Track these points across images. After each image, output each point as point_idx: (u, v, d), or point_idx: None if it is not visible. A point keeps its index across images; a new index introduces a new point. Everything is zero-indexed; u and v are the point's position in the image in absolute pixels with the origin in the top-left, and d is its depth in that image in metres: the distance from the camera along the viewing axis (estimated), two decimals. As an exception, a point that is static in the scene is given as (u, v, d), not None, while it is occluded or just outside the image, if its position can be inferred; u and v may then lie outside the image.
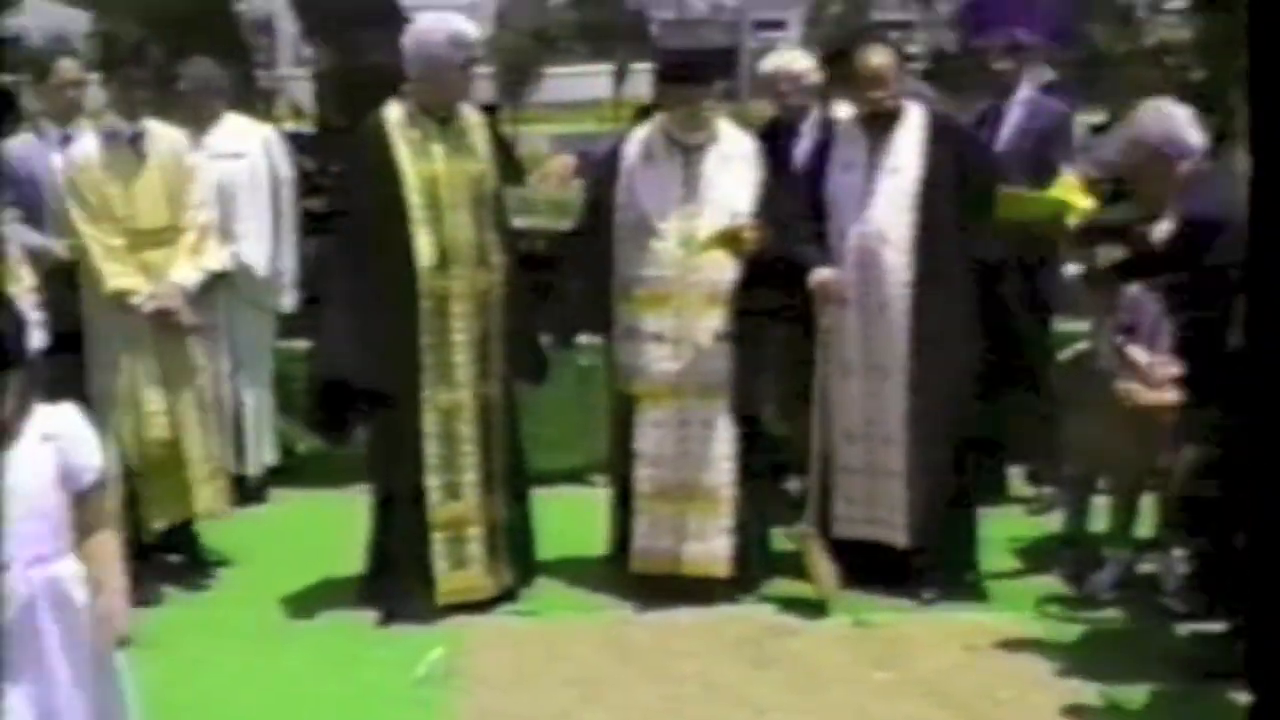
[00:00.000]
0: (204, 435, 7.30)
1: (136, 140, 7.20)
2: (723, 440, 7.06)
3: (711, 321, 6.99)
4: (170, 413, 7.18)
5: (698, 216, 6.97)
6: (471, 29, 7.00)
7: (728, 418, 7.06)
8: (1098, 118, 10.11)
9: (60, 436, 4.43)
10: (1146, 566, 7.06)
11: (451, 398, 6.89)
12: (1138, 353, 6.64)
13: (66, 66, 8.19)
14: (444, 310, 6.84)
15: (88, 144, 7.23)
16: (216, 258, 7.44)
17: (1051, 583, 7.23)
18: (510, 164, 7.41)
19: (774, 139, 7.90)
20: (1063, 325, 8.05)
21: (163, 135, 7.35)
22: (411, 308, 6.79)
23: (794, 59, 8.72)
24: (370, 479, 7.16)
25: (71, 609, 4.44)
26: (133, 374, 7.14)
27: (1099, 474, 7.27)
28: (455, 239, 6.85)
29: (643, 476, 7.08)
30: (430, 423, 6.87)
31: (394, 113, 6.90)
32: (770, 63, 8.74)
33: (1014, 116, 8.29)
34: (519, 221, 7.41)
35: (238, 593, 7.37)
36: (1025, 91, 8.39)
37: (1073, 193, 7.45)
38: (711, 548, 7.06)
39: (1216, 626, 6.22)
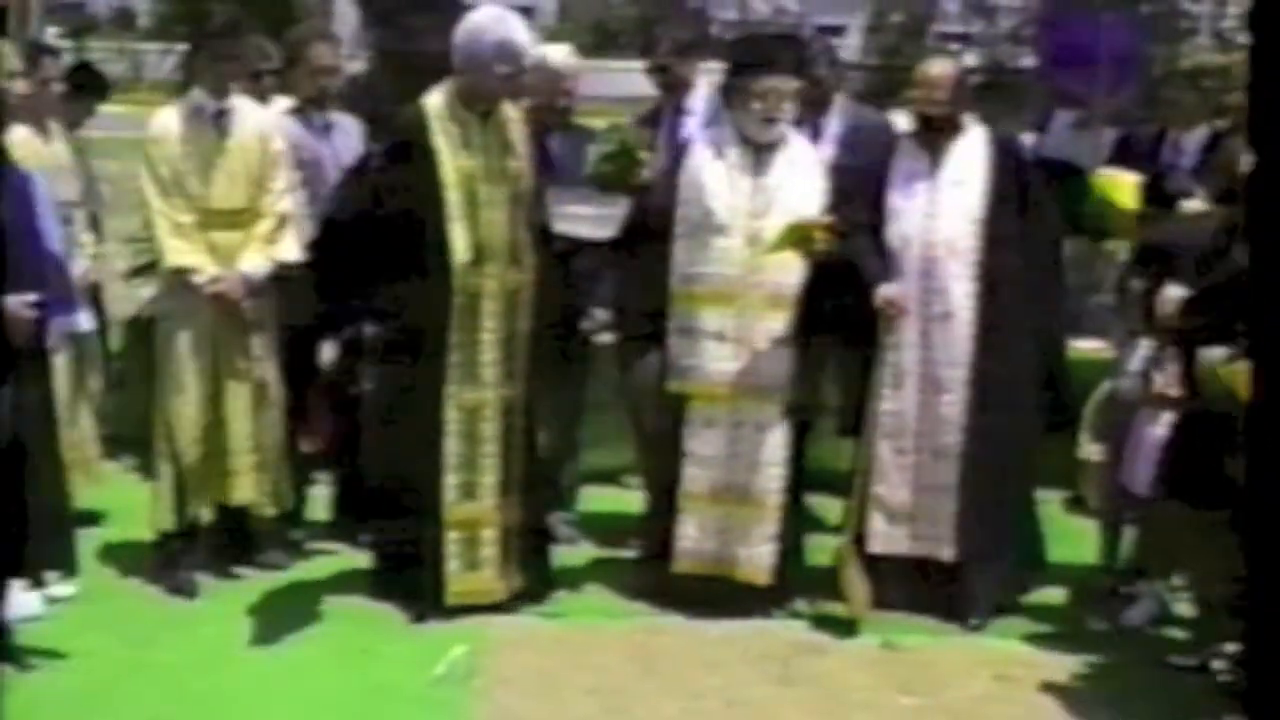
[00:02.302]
0: (254, 426, 7.18)
1: (221, 117, 7.09)
2: (774, 445, 6.97)
3: (773, 324, 6.90)
4: (216, 398, 7.09)
5: (766, 217, 6.87)
6: (523, 37, 6.83)
7: (782, 423, 6.98)
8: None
9: None
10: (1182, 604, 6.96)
11: (476, 396, 6.82)
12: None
13: (321, 52, 7.81)
14: (475, 308, 6.76)
15: (168, 118, 7.09)
16: (290, 249, 7.19)
17: (1087, 612, 7.14)
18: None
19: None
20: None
21: (251, 115, 7.22)
22: (443, 303, 6.72)
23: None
24: (376, 471, 7.10)
25: None
26: (187, 354, 7.06)
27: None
28: (490, 236, 6.77)
29: (691, 476, 6.98)
30: (453, 420, 6.79)
31: (435, 103, 6.82)
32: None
33: (831, 130, 7.92)
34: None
35: (264, 580, 7.30)
36: (839, 104, 8.03)
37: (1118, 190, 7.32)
38: (756, 554, 6.98)
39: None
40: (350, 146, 7.49)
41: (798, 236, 6.77)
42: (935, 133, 7.00)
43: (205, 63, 7.19)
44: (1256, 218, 4.28)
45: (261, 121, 7.27)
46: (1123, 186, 7.52)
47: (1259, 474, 4.19)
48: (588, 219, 7.02)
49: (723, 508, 6.97)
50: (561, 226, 6.97)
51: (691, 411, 6.97)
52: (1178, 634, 6.79)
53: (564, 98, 7.73)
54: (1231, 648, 6.22)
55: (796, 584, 7.12)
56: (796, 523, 7.23)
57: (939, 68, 7.07)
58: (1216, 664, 6.33)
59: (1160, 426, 6.63)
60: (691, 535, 6.99)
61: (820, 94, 7.76)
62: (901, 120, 7.66)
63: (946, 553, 6.98)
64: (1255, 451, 3.66)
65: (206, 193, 7.03)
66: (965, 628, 6.90)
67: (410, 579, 6.90)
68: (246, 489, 7.20)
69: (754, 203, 6.90)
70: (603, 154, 7.18)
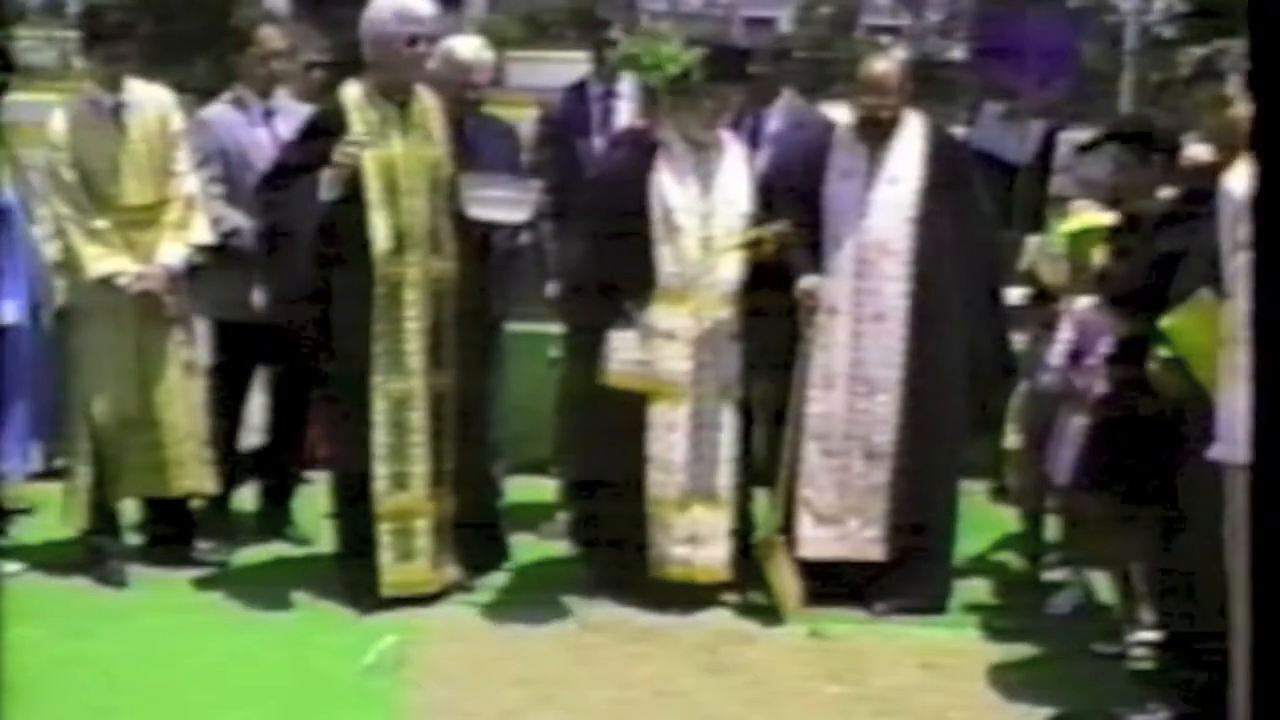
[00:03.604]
0: (189, 413, 7.18)
1: (118, 111, 7.03)
2: (730, 442, 7.01)
3: (725, 321, 6.94)
4: (146, 392, 7.05)
5: (713, 216, 6.92)
6: (422, 5, 6.86)
7: (735, 418, 7.03)
8: (1084, 136, 10.07)
9: None
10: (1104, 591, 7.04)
11: (403, 386, 6.83)
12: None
13: (268, 35, 7.70)
14: (397, 297, 6.78)
15: (63, 120, 6.99)
16: (202, 231, 7.19)
17: (1012, 601, 7.22)
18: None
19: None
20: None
21: (147, 99, 7.14)
22: (365, 293, 6.74)
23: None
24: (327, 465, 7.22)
25: None
26: (112, 353, 7.02)
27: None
28: (411, 225, 6.79)
29: (658, 482, 6.95)
30: (380, 410, 6.81)
31: (352, 94, 6.85)
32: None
33: (774, 125, 8.09)
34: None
35: (199, 572, 7.33)
36: (786, 99, 8.21)
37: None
38: (718, 552, 7.01)
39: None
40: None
41: (753, 241, 6.84)
42: (876, 129, 6.98)
43: (97, 57, 7.09)
44: (1261, 222, 4.29)
45: (159, 102, 7.19)
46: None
47: (1263, 478, 4.21)
48: (501, 202, 7.00)
49: (689, 512, 6.97)
50: (475, 211, 6.94)
51: (653, 415, 6.93)
52: (1101, 622, 6.86)
53: (472, 90, 7.68)
54: (1151, 635, 6.31)
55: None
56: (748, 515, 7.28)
57: (883, 66, 7.02)
58: (1136, 651, 6.42)
59: (1082, 418, 6.68)
60: (659, 541, 6.97)
61: (764, 88, 7.82)
62: (837, 113, 7.69)
63: (875, 553, 7.01)
64: (1261, 459, 3.68)
65: (118, 191, 6.99)
66: (871, 612, 6.95)
67: (347, 571, 6.96)
68: (188, 478, 7.20)
69: (703, 203, 6.92)
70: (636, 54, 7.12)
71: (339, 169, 6.63)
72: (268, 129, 7.56)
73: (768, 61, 8.07)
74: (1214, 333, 4.98)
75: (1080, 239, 6.80)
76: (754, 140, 7.81)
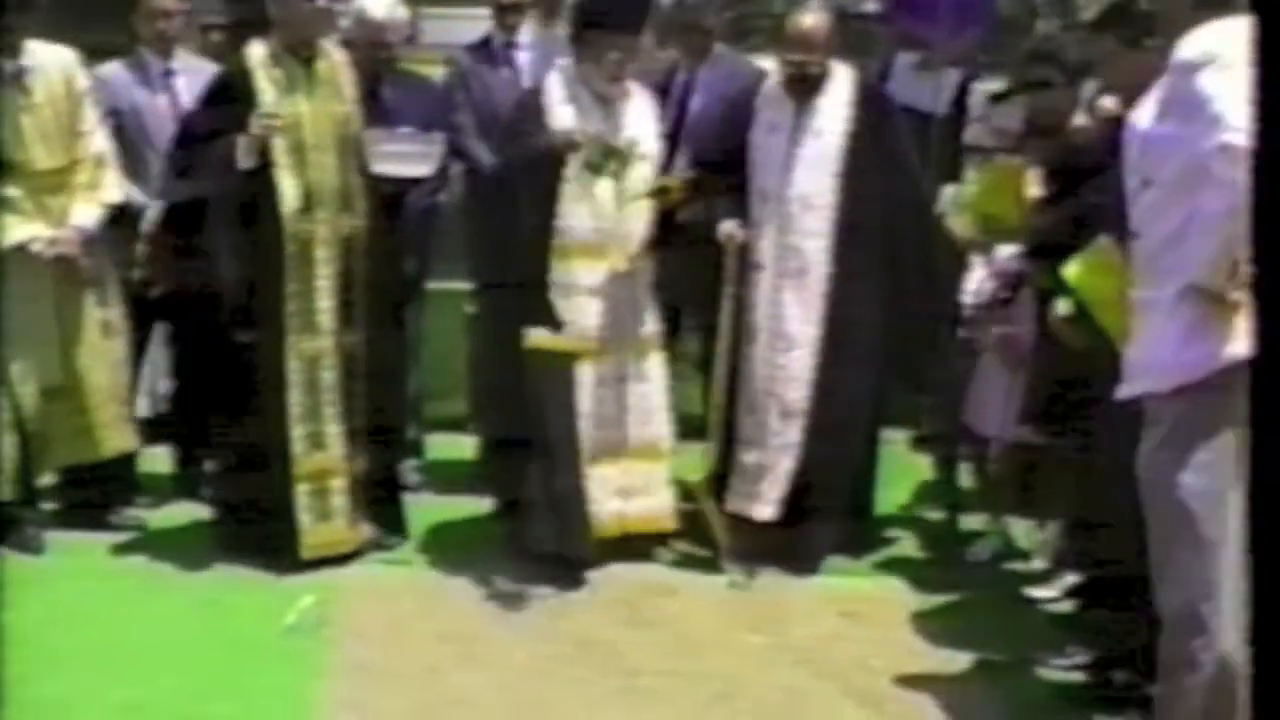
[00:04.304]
0: (110, 376, 7.13)
1: (20, 75, 6.88)
2: (660, 392, 7.02)
3: (642, 272, 6.93)
4: (67, 357, 6.99)
5: (624, 170, 6.82)
6: None
7: (661, 369, 7.03)
8: (997, 86, 10.08)
9: None
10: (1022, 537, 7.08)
11: (315, 345, 6.80)
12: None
13: None
14: (308, 256, 6.74)
15: None
16: (114, 190, 7.12)
17: (931, 549, 7.28)
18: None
19: None
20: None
21: (50, 60, 6.99)
22: (276, 252, 6.70)
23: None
24: (223, 425, 7.10)
25: None
26: (31, 320, 6.89)
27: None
28: (319, 183, 6.75)
29: (587, 438, 6.87)
30: (294, 370, 6.78)
31: (257, 53, 6.79)
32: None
33: (707, 79, 8.00)
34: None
35: (120, 537, 7.27)
36: (718, 51, 8.14)
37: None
38: (657, 502, 7.03)
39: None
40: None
41: (660, 190, 6.83)
42: (803, 84, 6.94)
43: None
44: (1262, 219, 4.30)
45: (62, 62, 7.04)
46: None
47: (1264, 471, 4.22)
48: (404, 156, 6.97)
49: (618, 464, 6.95)
50: (379, 166, 6.90)
51: (580, 373, 6.85)
52: (1021, 568, 6.91)
53: (385, 49, 7.59)
54: (1071, 578, 6.34)
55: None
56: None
57: (811, 21, 6.95)
58: (1042, 593, 6.50)
59: (1006, 368, 6.68)
60: (596, 498, 6.91)
61: (698, 44, 7.79)
62: (766, 65, 7.68)
63: (768, 512, 6.97)
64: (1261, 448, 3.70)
65: (26, 157, 6.86)
66: (794, 573, 6.90)
67: (259, 533, 6.90)
68: (116, 438, 7.17)
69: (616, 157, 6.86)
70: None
71: (253, 140, 6.59)
72: (168, 90, 7.53)
73: (702, 15, 8.03)
74: (1116, 279, 4.99)
75: (994, 192, 6.80)
76: (687, 95, 7.80)
